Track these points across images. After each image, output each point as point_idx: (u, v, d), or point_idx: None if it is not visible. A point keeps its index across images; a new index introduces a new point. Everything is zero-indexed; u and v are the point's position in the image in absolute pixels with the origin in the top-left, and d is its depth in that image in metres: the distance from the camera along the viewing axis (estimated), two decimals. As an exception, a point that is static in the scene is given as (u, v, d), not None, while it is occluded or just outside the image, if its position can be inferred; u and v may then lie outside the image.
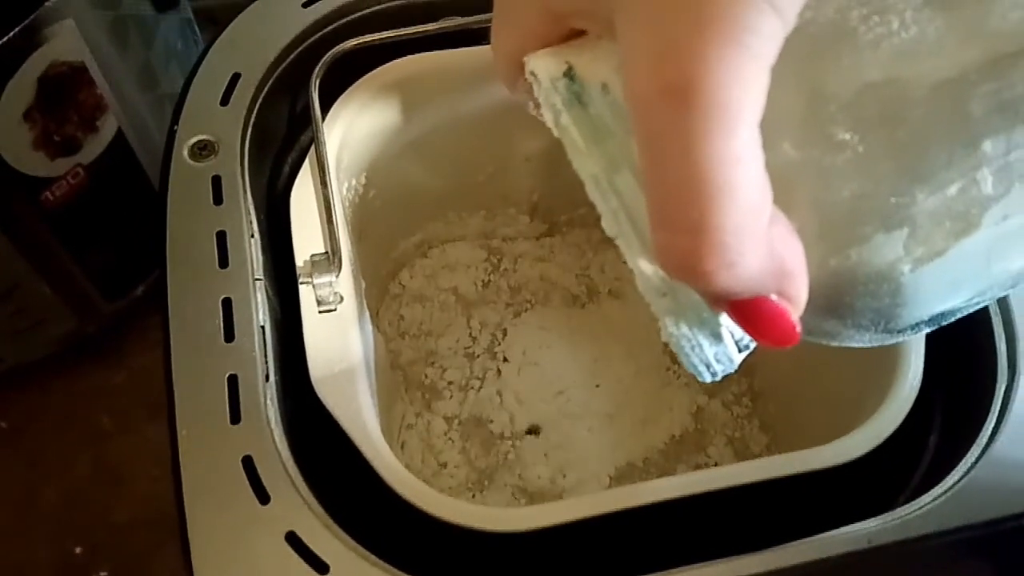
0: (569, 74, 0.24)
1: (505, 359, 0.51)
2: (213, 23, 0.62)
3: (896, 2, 0.21)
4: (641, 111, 0.19)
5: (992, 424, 0.34)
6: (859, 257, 0.22)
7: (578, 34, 0.24)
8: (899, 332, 0.25)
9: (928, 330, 0.25)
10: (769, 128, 0.20)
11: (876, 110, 0.21)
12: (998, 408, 0.34)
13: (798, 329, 0.22)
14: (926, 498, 0.32)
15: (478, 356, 0.51)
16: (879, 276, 0.23)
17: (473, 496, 0.46)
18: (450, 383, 0.50)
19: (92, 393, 0.60)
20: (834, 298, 0.23)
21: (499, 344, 0.51)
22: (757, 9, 0.18)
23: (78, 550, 0.56)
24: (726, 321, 0.23)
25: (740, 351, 0.25)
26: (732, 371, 0.25)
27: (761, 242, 0.20)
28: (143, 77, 0.53)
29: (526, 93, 0.26)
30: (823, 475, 0.34)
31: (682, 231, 0.19)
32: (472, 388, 0.50)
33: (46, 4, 0.45)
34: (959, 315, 0.25)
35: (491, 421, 0.49)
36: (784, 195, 0.21)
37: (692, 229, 0.19)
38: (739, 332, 0.24)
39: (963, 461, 0.33)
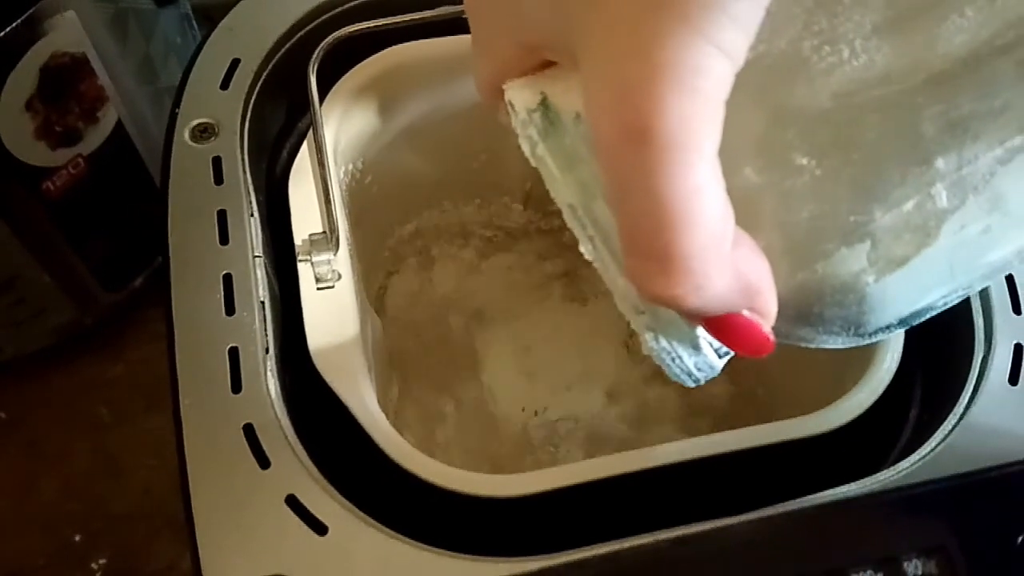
0: (544, 104, 0.25)
1: (498, 345, 0.52)
2: (210, 21, 0.63)
3: (846, 32, 0.22)
4: (604, 151, 0.20)
5: (969, 393, 0.35)
6: (824, 271, 0.24)
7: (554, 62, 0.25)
8: (870, 335, 0.26)
9: (900, 330, 0.26)
10: (731, 155, 0.21)
11: (831, 135, 0.22)
12: (975, 378, 0.35)
13: (771, 339, 0.24)
14: (904, 464, 0.33)
15: (471, 342, 0.52)
16: (844, 287, 0.24)
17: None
18: (444, 368, 0.51)
19: (91, 384, 0.61)
20: (804, 308, 0.24)
21: (492, 331, 0.52)
22: (705, 54, 0.19)
23: (76, 538, 0.57)
24: (703, 332, 0.24)
25: (720, 357, 0.26)
26: (715, 376, 0.26)
27: (726, 265, 0.21)
28: (143, 70, 0.54)
29: (507, 117, 0.27)
30: (806, 444, 0.35)
31: (650, 259, 0.20)
32: (465, 373, 0.51)
33: (48, -4, 0.46)
34: (930, 315, 0.26)
35: (484, 404, 0.50)
36: (749, 216, 0.22)
37: (659, 257, 0.20)
38: (717, 341, 0.25)
39: (940, 429, 0.34)
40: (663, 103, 0.19)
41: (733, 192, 0.21)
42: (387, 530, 0.31)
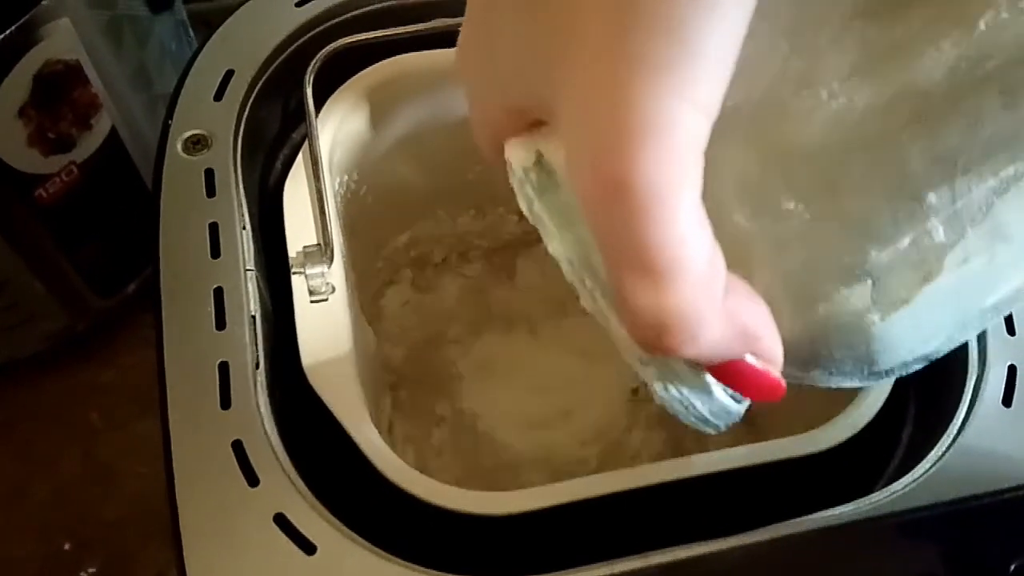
0: (539, 162, 0.24)
1: (493, 357, 0.52)
2: (207, 26, 0.63)
3: (823, 74, 0.21)
4: (587, 208, 0.20)
5: (963, 415, 0.35)
6: (827, 311, 0.23)
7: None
8: (886, 373, 0.25)
9: (919, 367, 0.25)
10: (720, 202, 0.21)
11: (816, 177, 0.22)
12: (968, 399, 0.35)
13: (782, 384, 0.23)
14: (897, 485, 0.33)
15: (466, 355, 0.52)
16: (850, 328, 0.23)
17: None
18: (437, 381, 0.51)
19: (82, 390, 0.61)
20: (812, 351, 0.24)
21: (487, 342, 0.52)
22: (677, 110, 0.19)
23: (67, 546, 0.57)
24: (714, 380, 0.24)
25: (739, 402, 0.25)
26: (735, 420, 0.26)
27: (718, 313, 0.21)
28: (137, 77, 0.54)
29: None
30: (799, 463, 0.34)
31: (641, 311, 0.21)
32: (458, 387, 0.51)
33: (42, 3, 0.46)
34: (949, 348, 0.25)
35: (477, 420, 0.50)
36: (743, 262, 0.22)
37: (649, 308, 0.20)
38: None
39: (935, 450, 0.34)
40: (639, 159, 0.19)
41: (725, 239, 0.21)
42: (377, 550, 0.31)
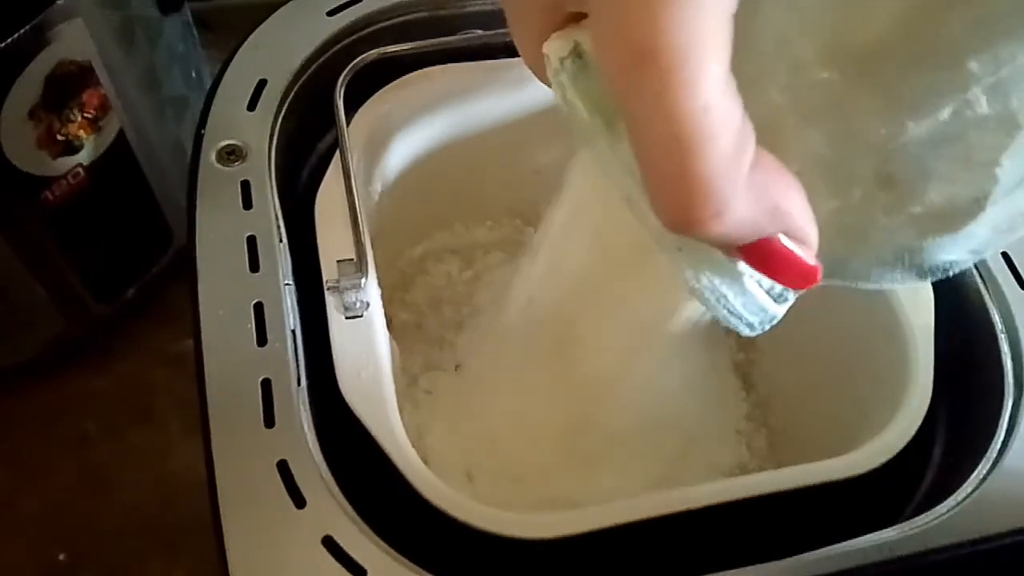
0: (575, 51, 0.24)
1: (505, 367, 0.51)
2: (205, 28, 0.62)
3: None
4: (614, 81, 0.20)
5: (1002, 438, 0.35)
6: (862, 193, 0.23)
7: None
8: (930, 272, 0.24)
9: (966, 266, 0.25)
10: (753, 79, 0.20)
11: (851, 44, 0.21)
12: (1007, 422, 0.35)
13: (815, 267, 0.23)
14: (941, 508, 0.33)
15: (478, 362, 0.51)
16: (887, 207, 0.23)
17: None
18: (450, 389, 0.51)
19: (78, 398, 0.60)
20: (848, 238, 0.24)
21: (499, 352, 0.52)
22: None
23: (61, 557, 0.55)
24: (748, 269, 0.24)
25: (776, 302, 0.25)
26: (773, 322, 0.25)
27: (745, 185, 0.20)
28: (146, 79, 0.53)
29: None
30: (833, 488, 0.34)
31: (668, 184, 0.20)
32: (473, 397, 0.50)
33: (56, 3, 0.45)
34: (991, 251, 0.25)
35: (492, 429, 0.49)
36: (776, 140, 0.21)
37: (675, 180, 0.20)
38: (769, 281, 0.24)
39: (975, 473, 0.34)
40: (662, 23, 0.19)
41: (757, 116, 0.20)
42: (426, 574, 0.30)
